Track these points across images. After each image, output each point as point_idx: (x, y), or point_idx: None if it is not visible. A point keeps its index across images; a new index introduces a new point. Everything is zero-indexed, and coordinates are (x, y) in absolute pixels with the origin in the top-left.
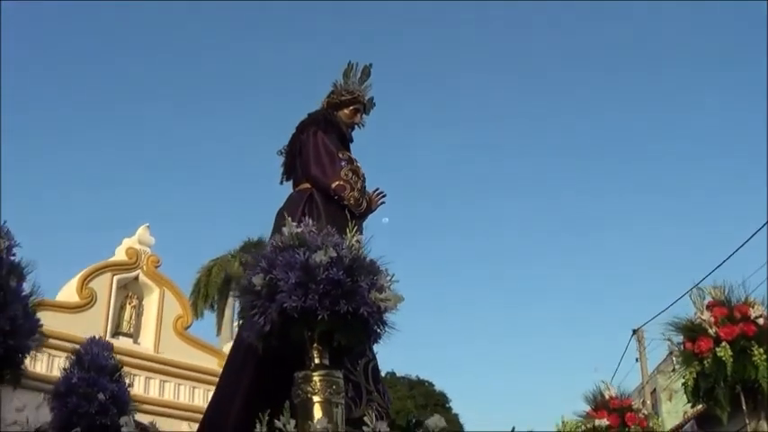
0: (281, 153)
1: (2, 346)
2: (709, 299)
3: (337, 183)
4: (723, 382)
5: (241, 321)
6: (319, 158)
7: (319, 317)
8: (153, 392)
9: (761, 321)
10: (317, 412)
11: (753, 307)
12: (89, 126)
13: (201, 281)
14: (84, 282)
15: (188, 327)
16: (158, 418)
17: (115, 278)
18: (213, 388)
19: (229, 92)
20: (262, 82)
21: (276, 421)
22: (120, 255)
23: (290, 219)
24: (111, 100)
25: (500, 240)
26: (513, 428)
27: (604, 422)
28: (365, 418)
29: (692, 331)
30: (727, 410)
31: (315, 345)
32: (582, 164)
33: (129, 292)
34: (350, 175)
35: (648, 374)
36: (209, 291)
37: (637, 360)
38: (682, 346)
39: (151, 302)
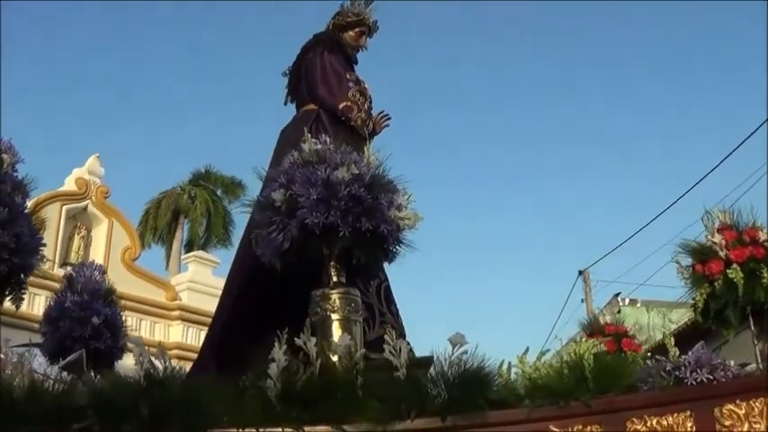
0: (286, 74)
1: (6, 264)
2: (718, 222)
3: (345, 103)
4: (734, 303)
5: (240, 241)
6: (326, 79)
7: (341, 233)
8: None
9: None
10: (337, 330)
11: (761, 231)
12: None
13: (150, 213)
14: (34, 211)
15: (136, 258)
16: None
17: (64, 208)
18: (160, 320)
19: (184, 21)
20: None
21: (296, 339)
22: (69, 185)
23: (309, 134)
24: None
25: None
26: None
27: (601, 347)
28: (385, 336)
29: (701, 254)
30: (736, 330)
31: (333, 262)
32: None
33: (78, 222)
34: (357, 95)
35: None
36: (157, 223)
37: (582, 301)
38: (690, 269)
39: (100, 233)
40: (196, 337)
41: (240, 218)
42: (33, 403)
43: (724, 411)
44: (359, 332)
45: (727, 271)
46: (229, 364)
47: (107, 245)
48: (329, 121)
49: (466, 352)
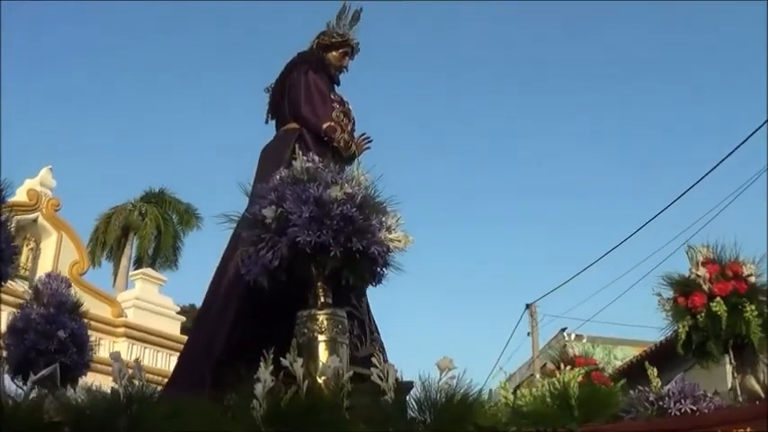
0: (268, 90)
1: None
2: (701, 257)
3: (328, 124)
4: (716, 336)
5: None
6: (311, 98)
7: (332, 253)
8: None
9: (752, 279)
10: (323, 352)
11: (745, 266)
12: None
13: (100, 228)
14: None
15: (83, 273)
16: None
17: (14, 219)
18: (106, 336)
19: (145, 33)
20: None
21: (282, 360)
22: (20, 195)
23: (300, 153)
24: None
25: None
26: None
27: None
28: (373, 359)
29: (685, 286)
30: (717, 362)
31: (320, 283)
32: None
33: (27, 233)
34: (341, 117)
35: (539, 348)
36: (107, 239)
37: (528, 334)
38: (672, 302)
39: (48, 246)
40: (140, 354)
41: (190, 241)
42: (7, 421)
43: None
44: (345, 354)
45: (711, 304)
46: (208, 382)
47: (55, 258)
48: (312, 141)
49: (453, 377)
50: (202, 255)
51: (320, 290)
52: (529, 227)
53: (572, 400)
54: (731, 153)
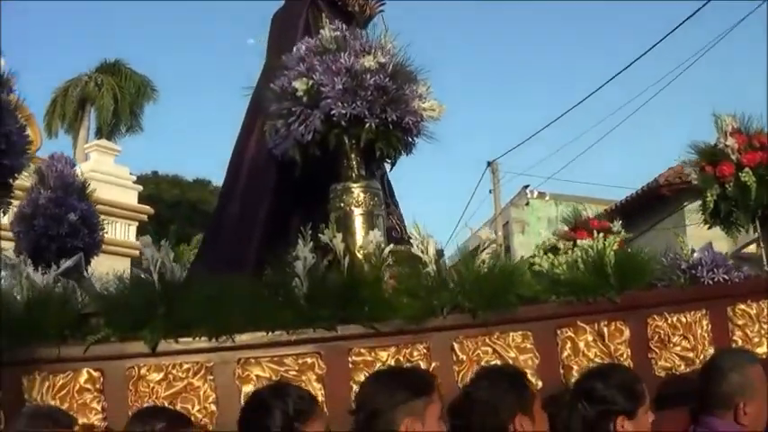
0: None
1: None
2: (728, 126)
3: None
4: (745, 206)
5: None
6: None
7: (367, 125)
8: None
9: None
10: (361, 225)
11: None
12: None
13: (58, 101)
14: None
15: (38, 149)
16: (4, 243)
17: None
18: None
19: None
20: None
21: (321, 236)
22: None
23: (327, 20)
24: None
25: None
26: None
27: (586, 242)
28: (412, 231)
29: (712, 155)
30: (744, 232)
31: (354, 155)
32: None
33: None
34: None
35: (501, 206)
36: (65, 111)
37: (490, 192)
38: (699, 169)
39: None
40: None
41: (147, 113)
42: (40, 314)
43: (737, 311)
44: (383, 227)
45: (741, 174)
46: (249, 264)
47: None
48: (325, 6)
49: (494, 248)
50: (162, 125)
51: (354, 162)
52: (488, 82)
53: (608, 269)
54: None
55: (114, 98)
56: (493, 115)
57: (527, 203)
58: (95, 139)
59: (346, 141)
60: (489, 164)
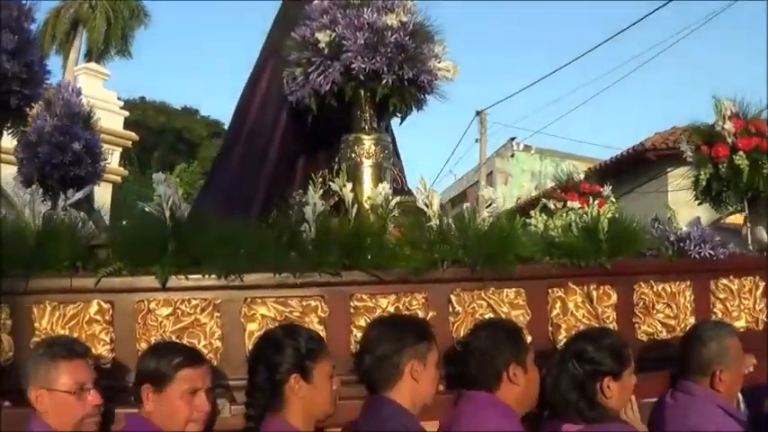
0: None
1: (17, 96)
2: (727, 110)
3: None
4: (735, 187)
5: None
6: None
7: (384, 81)
8: None
9: None
10: (370, 177)
11: None
12: None
13: (50, 22)
14: None
15: None
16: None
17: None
18: None
19: None
20: None
21: (331, 184)
22: None
23: None
24: None
25: None
26: None
27: (576, 204)
28: (419, 185)
29: (710, 136)
30: (732, 211)
31: (369, 108)
32: None
33: None
34: None
35: (486, 156)
36: (56, 32)
37: (477, 141)
38: (695, 147)
39: None
40: None
41: (138, 38)
42: (51, 244)
43: (719, 285)
44: (390, 179)
45: (734, 156)
46: (257, 207)
47: None
48: None
49: (494, 208)
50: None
51: (368, 115)
52: (483, 34)
53: (601, 235)
54: None
55: (107, 21)
56: (485, 64)
57: (512, 155)
58: (84, 62)
59: (362, 94)
60: (478, 113)
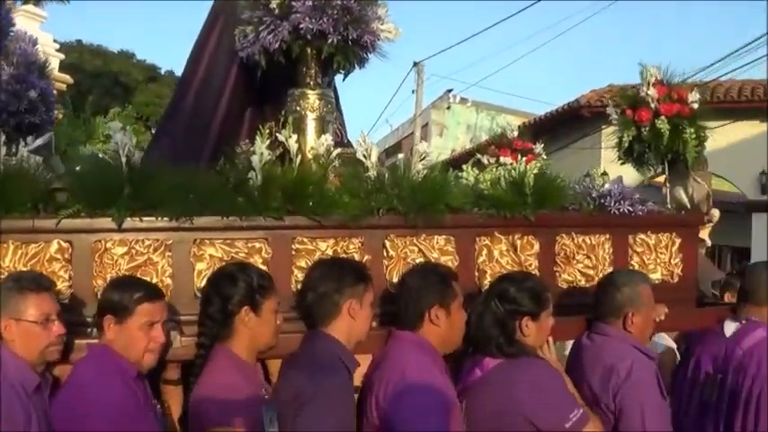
0: None
1: None
2: (652, 77)
3: None
4: (656, 149)
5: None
6: None
7: (329, 40)
8: None
9: (694, 106)
10: (313, 128)
11: (690, 92)
12: None
13: None
14: None
15: None
16: None
17: None
18: None
19: None
20: None
21: (278, 135)
22: None
23: None
24: None
25: None
26: None
27: (508, 160)
28: (359, 138)
29: (634, 101)
30: (652, 171)
31: (314, 65)
32: None
33: None
34: None
35: (422, 108)
36: None
37: (413, 92)
38: (620, 111)
39: None
40: None
41: None
42: (13, 187)
43: (637, 239)
44: (332, 132)
45: (656, 121)
46: (206, 157)
47: None
48: None
49: (428, 161)
50: None
51: (313, 71)
52: None
53: (527, 190)
54: None
55: None
56: (424, 16)
57: (448, 107)
58: (21, 5)
59: (309, 52)
60: (415, 64)
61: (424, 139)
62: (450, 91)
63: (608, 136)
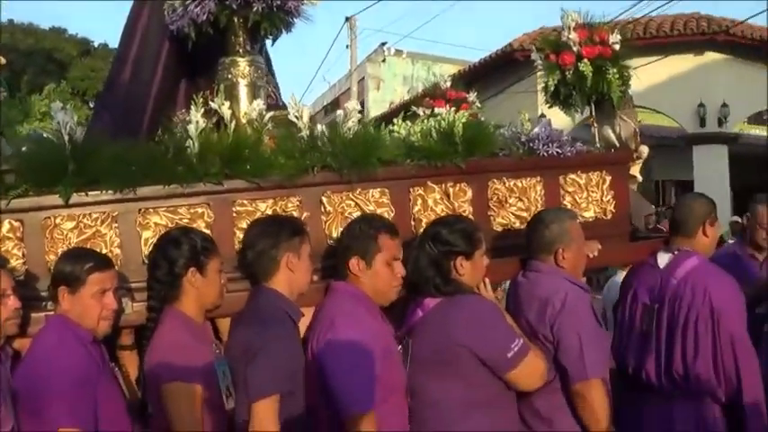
0: None
1: None
2: (573, 22)
3: None
4: (581, 91)
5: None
6: None
7: (254, 8)
8: None
9: (616, 47)
10: (245, 94)
11: (611, 33)
12: None
13: None
14: None
15: None
16: None
17: None
18: None
19: None
20: None
21: (211, 103)
22: None
23: None
24: None
25: None
26: None
27: (443, 110)
28: (289, 100)
29: (557, 46)
30: (578, 112)
31: (242, 33)
32: None
33: None
34: None
35: (357, 62)
36: None
37: (347, 47)
38: (544, 56)
39: None
40: None
41: None
42: None
43: (568, 180)
44: (265, 97)
45: (579, 64)
46: (144, 130)
47: None
48: None
49: (358, 118)
50: None
51: (241, 39)
52: None
53: (457, 138)
54: None
55: None
56: None
57: (383, 60)
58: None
59: (236, 21)
60: (347, 19)
61: (361, 94)
62: (384, 44)
63: (542, 78)
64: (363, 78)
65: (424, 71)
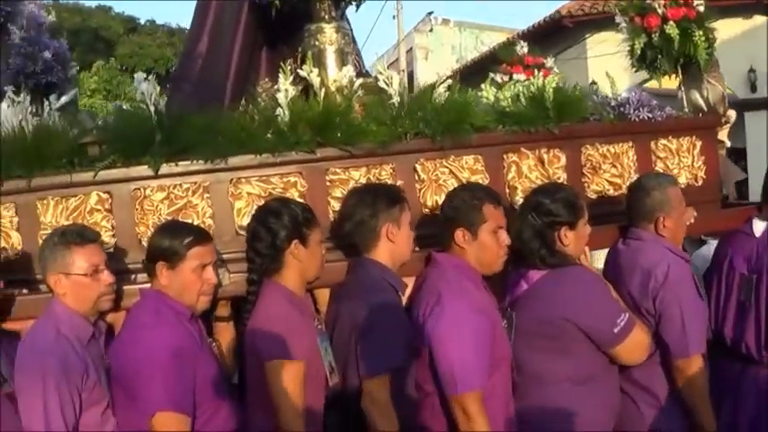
0: None
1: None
2: None
3: None
4: (668, 54)
5: None
6: None
7: None
8: None
9: (701, 8)
10: (333, 61)
11: None
12: None
13: None
14: None
15: None
16: None
17: None
18: None
19: None
20: None
21: (300, 71)
22: None
23: None
24: None
25: None
26: None
27: (522, 76)
28: (378, 67)
29: (641, 9)
30: (665, 76)
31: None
32: None
33: None
34: None
35: (405, 33)
36: None
37: (394, 18)
38: (629, 19)
39: None
40: None
41: None
42: (45, 144)
43: (659, 145)
44: (352, 63)
45: (665, 26)
46: (228, 97)
47: None
48: None
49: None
50: None
51: (326, 5)
52: None
53: (548, 103)
54: None
55: None
56: None
57: (431, 30)
58: None
59: None
60: None
61: (410, 65)
62: (430, 13)
63: (593, 44)
64: (411, 49)
65: (472, 39)
